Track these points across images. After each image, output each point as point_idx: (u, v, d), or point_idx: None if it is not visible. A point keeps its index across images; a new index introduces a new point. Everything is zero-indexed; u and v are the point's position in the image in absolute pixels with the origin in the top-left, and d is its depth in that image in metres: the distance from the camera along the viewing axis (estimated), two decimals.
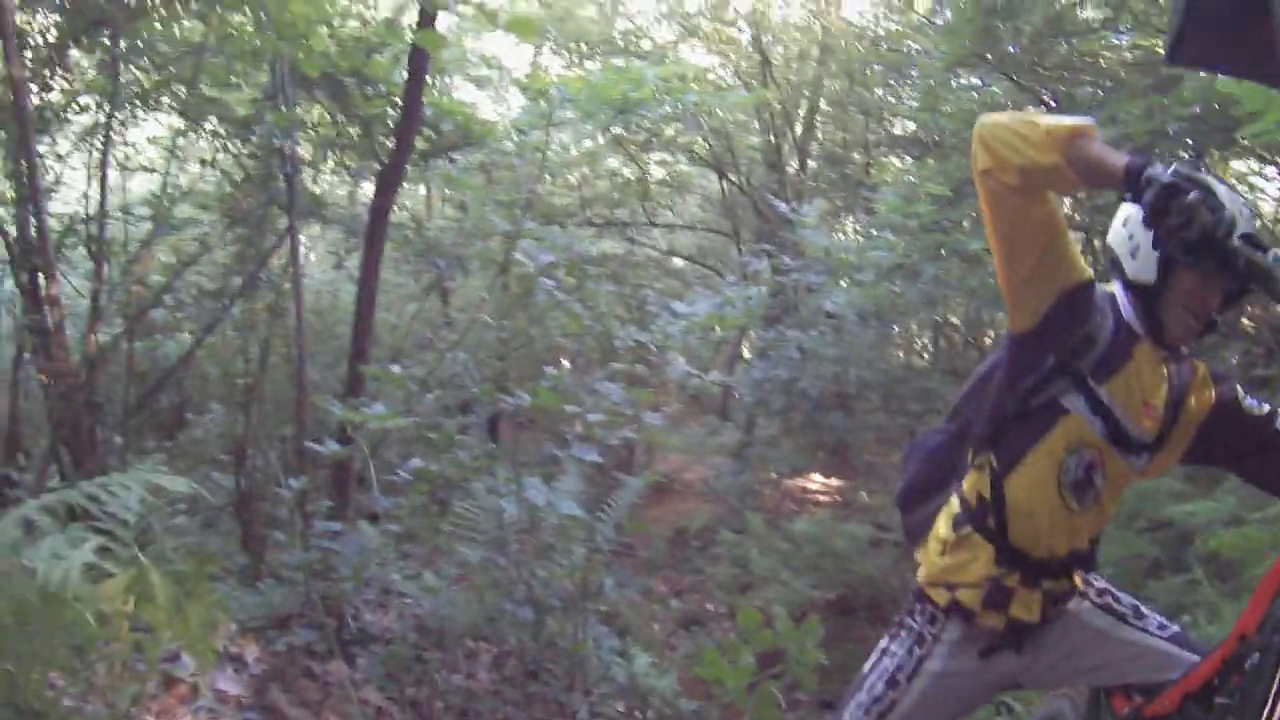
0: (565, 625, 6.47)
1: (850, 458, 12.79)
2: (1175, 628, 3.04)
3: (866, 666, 3.04)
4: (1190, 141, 9.69)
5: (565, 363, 14.25)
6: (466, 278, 12.20)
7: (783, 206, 11.30)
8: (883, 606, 10.51)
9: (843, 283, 10.60)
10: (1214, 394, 2.96)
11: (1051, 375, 2.79)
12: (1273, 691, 2.26)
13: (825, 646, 10.15)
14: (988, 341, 13.95)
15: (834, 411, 11.25)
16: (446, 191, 14.86)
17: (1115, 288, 2.91)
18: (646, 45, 17.15)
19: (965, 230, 10.19)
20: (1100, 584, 3.11)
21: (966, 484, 2.95)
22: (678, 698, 6.58)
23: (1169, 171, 2.32)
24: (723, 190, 17.65)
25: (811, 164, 17.50)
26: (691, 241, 19.27)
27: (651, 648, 8.19)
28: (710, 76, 17.12)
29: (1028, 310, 2.78)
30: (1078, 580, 2.99)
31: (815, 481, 14.75)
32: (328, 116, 10.09)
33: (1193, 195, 2.27)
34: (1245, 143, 9.79)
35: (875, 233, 11.06)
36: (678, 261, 18.98)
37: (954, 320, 13.77)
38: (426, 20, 8.36)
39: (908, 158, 14.99)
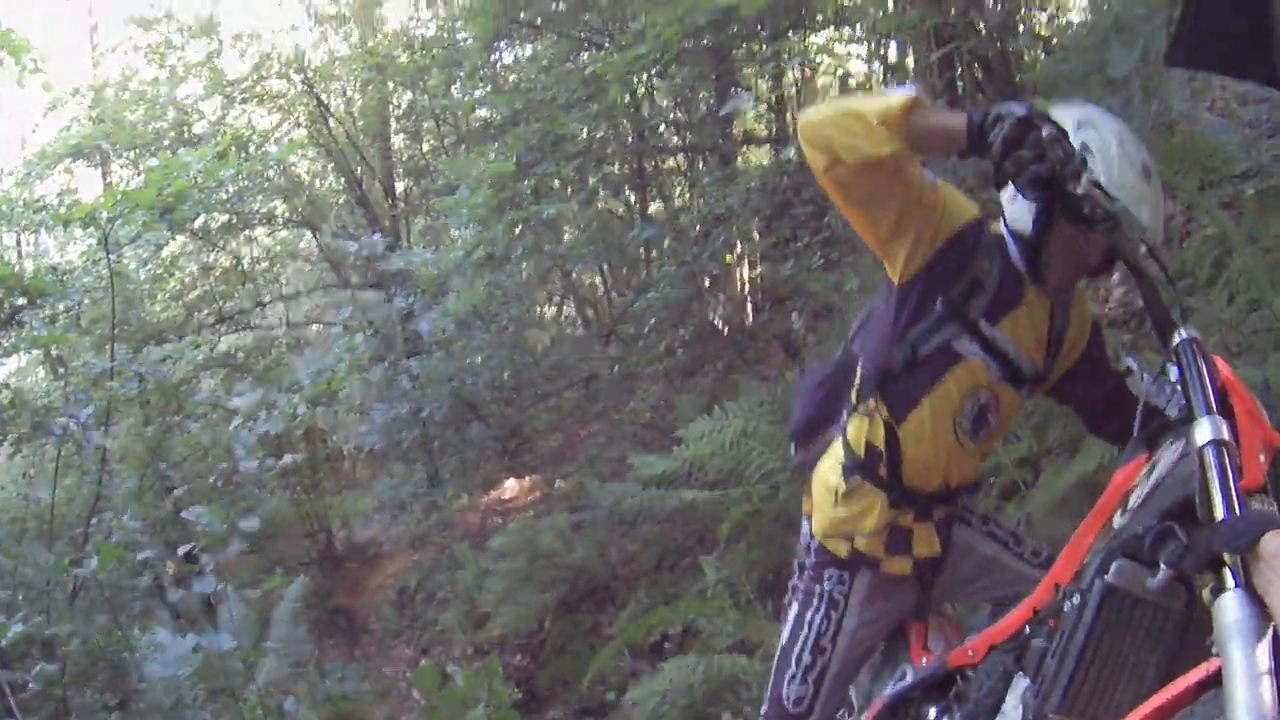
0: None
1: (520, 455, 12.60)
2: (1048, 551, 3.06)
3: (785, 638, 3.07)
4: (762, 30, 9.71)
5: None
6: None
7: (351, 244, 10.88)
8: (603, 588, 10.35)
9: (453, 294, 10.23)
10: (1088, 333, 3.02)
11: (941, 321, 2.76)
12: (1093, 629, 2.25)
13: (564, 649, 10.06)
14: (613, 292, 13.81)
15: (469, 425, 10.93)
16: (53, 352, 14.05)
17: (1002, 228, 2.87)
18: (200, 128, 16.42)
19: (545, 196, 9.99)
20: (982, 512, 3.19)
21: (852, 431, 2.92)
22: None
23: (1023, 107, 2.29)
24: (319, 245, 17.10)
25: (401, 185, 17.10)
26: (312, 305, 18.66)
27: None
28: (276, 136, 16.59)
29: (901, 261, 2.75)
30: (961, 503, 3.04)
31: (510, 488, 14.50)
32: None
33: (1046, 130, 2.24)
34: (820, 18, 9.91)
35: (457, 233, 10.76)
36: (313, 329, 18.39)
37: (595, 282, 13.62)
38: None
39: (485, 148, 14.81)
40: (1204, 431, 2.02)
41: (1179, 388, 2.26)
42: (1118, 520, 2.39)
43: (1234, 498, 1.85)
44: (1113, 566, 2.22)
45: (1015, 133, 2.24)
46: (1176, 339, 2.29)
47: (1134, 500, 2.34)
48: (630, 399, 9.98)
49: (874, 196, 2.64)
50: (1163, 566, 2.10)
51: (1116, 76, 5.76)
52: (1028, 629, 2.59)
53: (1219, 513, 1.85)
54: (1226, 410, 2.09)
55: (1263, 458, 2.07)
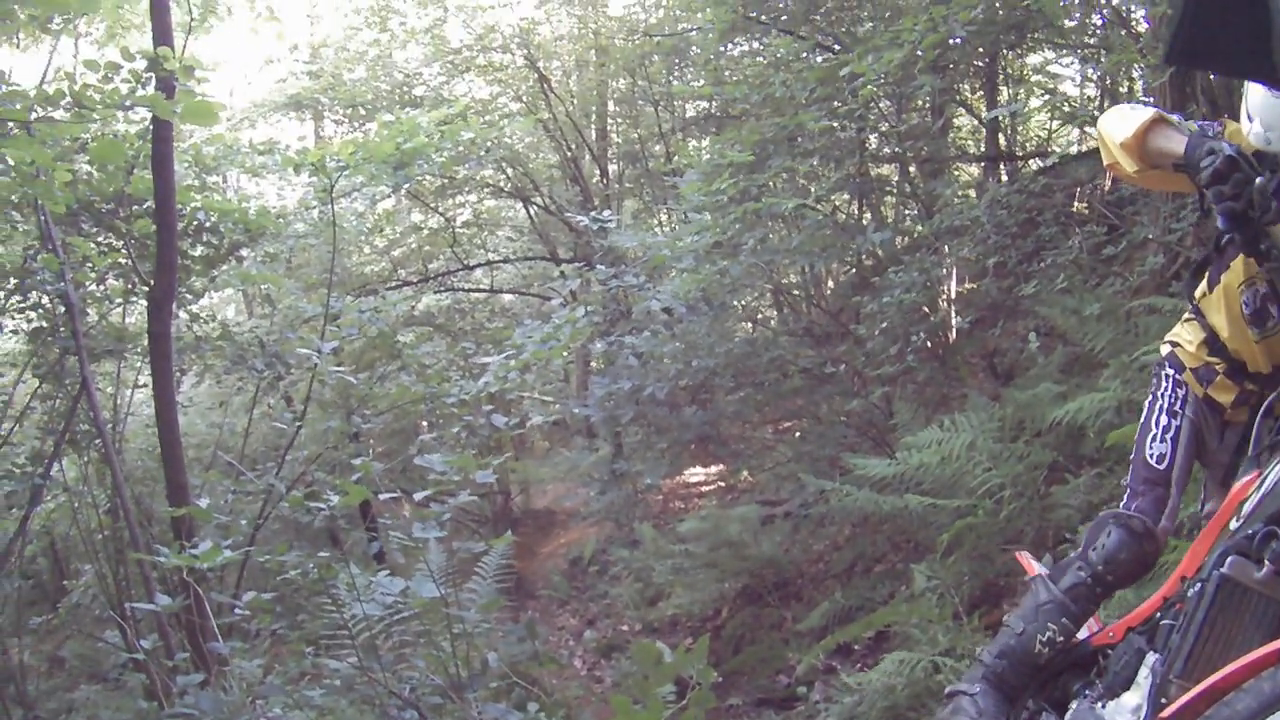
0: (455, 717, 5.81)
1: (721, 443, 12.33)
2: None
3: (1144, 416, 3.47)
4: (980, 49, 9.50)
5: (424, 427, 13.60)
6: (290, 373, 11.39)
7: (582, 217, 10.82)
8: (789, 583, 10.13)
9: (672, 276, 10.12)
10: None
11: None
12: (1210, 610, 2.72)
13: (742, 639, 9.81)
14: (828, 292, 13.54)
15: (686, 408, 10.75)
16: (262, 289, 14.21)
17: None
18: (420, 92, 16.53)
19: (775, 191, 9.81)
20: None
21: (1199, 290, 3.40)
22: None
23: (1233, 148, 2.72)
24: (530, 216, 17.38)
25: (613, 167, 17.07)
26: (514, 274, 18.85)
27: (561, 704, 7.67)
28: (493, 107, 16.63)
29: None
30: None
31: (696, 474, 14.31)
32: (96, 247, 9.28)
33: (1258, 180, 2.64)
34: (1037, 36, 9.72)
35: (687, 218, 10.61)
36: (506, 298, 18.51)
37: (792, 279, 13.28)
38: (159, 129, 7.56)
39: (705, 138, 14.67)
40: None
41: None
42: (1233, 525, 2.90)
43: None
44: (1227, 561, 2.72)
45: (1223, 168, 2.71)
46: None
47: (1246, 509, 2.84)
48: (850, 399, 9.67)
49: (1149, 180, 3.26)
50: (1267, 563, 2.63)
51: None
52: (1158, 614, 3.16)
53: None
54: None
55: None
